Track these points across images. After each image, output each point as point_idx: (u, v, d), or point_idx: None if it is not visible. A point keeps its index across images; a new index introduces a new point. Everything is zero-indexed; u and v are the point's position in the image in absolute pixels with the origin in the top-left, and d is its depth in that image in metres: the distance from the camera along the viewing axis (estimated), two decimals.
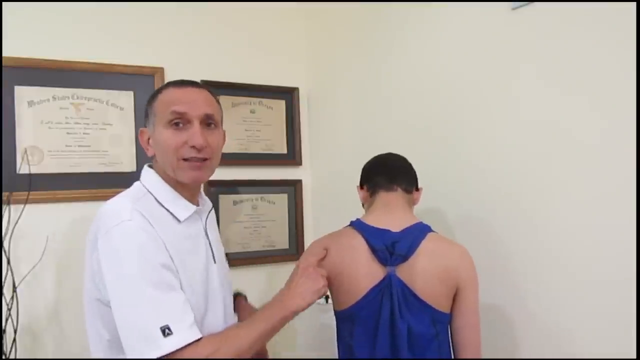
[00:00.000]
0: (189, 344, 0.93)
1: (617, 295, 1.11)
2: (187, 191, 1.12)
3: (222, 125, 1.15)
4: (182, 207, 1.09)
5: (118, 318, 0.95)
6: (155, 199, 1.07)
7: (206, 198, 1.23)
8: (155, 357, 0.90)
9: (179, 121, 1.06)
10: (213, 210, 1.23)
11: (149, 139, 1.12)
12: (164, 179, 1.10)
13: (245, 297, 1.39)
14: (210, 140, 1.08)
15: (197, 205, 1.13)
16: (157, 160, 1.12)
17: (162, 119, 1.07)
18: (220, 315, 1.11)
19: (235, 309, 1.28)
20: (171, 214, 1.07)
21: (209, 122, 1.09)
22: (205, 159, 1.07)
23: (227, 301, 1.16)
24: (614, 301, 1.12)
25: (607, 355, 1.13)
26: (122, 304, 0.95)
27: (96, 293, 1.02)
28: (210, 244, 1.15)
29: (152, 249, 0.97)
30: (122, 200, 1.05)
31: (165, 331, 0.92)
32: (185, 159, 1.06)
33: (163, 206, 1.07)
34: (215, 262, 1.15)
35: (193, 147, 1.05)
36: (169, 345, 0.91)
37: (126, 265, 0.95)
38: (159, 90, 1.13)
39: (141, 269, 0.95)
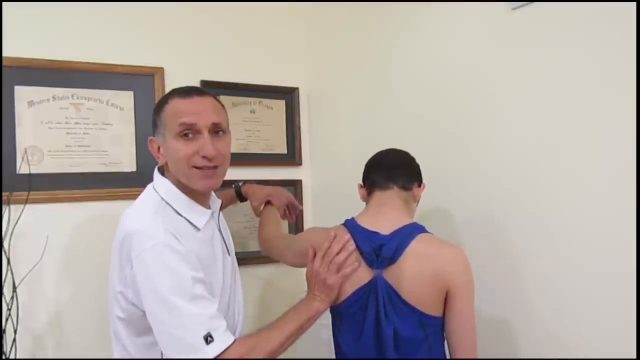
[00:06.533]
0: (228, 347, 1.02)
1: (629, 295, 1.10)
2: (200, 196, 1.17)
3: (228, 128, 1.19)
4: (199, 214, 1.15)
5: (161, 333, 1.03)
6: (174, 209, 1.12)
7: (214, 195, 1.28)
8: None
9: (188, 132, 1.10)
10: (221, 204, 1.30)
11: (159, 147, 1.16)
12: (177, 186, 1.15)
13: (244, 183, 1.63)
14: (220, 148, 1.13)
15: (209, 207, 1.20)
16: (169, 169, 1.15)
17: (171, 130, 1.11)
18: (231, 299, 1.20)
19: (245, 195, 1.58)
20: (190, 222, 1.12)
21: (217, 129, 1.13)
22: (216, 167, 1.12)
23: (236, 289, 1.25)
24: (629, 302, 1.10)
25: (608, 355, 1.13)
26: (164, 321, 1.02)
27: (119, 287, 1.09)
28: (223, 238, 1.24)
29: (185, 266, 1.03)
30: (149, 217, 1.08)
31: (208, 339, 1.00)
32: (197, 167, 1.11)
33: (181, 215, 1.12)
34: (229, 254, 1.25)
35: (204, 157, 1.09)
36: (212, 351, 1.00)
37: (164, 285, 1.01)
38: (165, 100, 1.15)
39: (178, 287, 1.01)
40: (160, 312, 1.01)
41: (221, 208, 1.30)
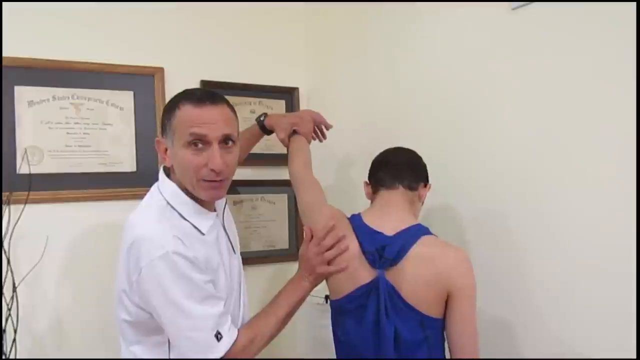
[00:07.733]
0: (235, 340, 1.10)
1: (629, 295, 1.10)
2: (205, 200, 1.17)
3: (238, 137, 1.18)
4: (204, 219, 1.15)
5: (176, 336, 1.07)
6: (179, 213, 1.12)
7: None
8: (218, 357, 1.07)
9: (197, 142, 1.08)
10: (227, 202, 1.30)
11: (166, 149, 1.15)
12: (182, 189, 1.14)
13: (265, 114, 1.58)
14: (228, 160, 1.12)
15: (214, 210, 1.20)
16: (175, 173, 1.15)
17: (180, 138, 1.09)
18: (237, 297, 1.24)
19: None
20: (195, 227, 1.12)
21: (227, 140, 1.12)
22: (222, 180, 1.12)
23: (241, 286, 1.28)
24: (629, 302, 1.10)
25: (608, 355, 1.13)
26: (179, 325, 1.06)
27: (124, 287, 1.09)
28: (229, 237, 1.25)
29: (194, 271, 1.06)
30: (156, 221, 1.08)
31: (218, 336, 1.07)
32: (204, 179, 1.10)
33: (187, 220, 1.12)
34: (234, 252, 1.27)
35: (212, 170, 1.09)
36: (223, 346, 1.08)
37: (175, 292, 1.04)
38: (176, 105, 1.11)
39: (189, 292, 1.05)
40: (174, 317, 1.05)
41: (250, 146, 1.43)
